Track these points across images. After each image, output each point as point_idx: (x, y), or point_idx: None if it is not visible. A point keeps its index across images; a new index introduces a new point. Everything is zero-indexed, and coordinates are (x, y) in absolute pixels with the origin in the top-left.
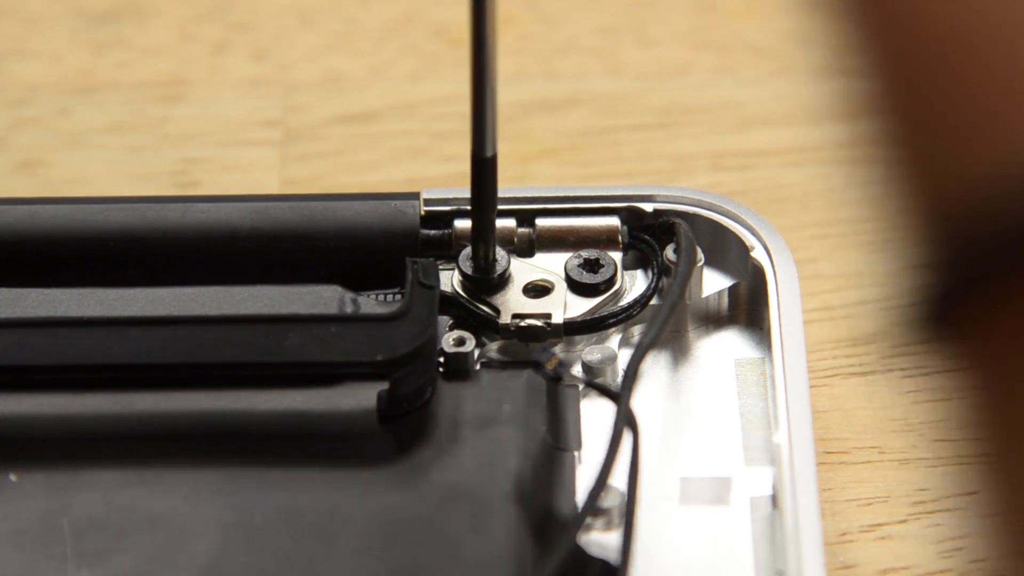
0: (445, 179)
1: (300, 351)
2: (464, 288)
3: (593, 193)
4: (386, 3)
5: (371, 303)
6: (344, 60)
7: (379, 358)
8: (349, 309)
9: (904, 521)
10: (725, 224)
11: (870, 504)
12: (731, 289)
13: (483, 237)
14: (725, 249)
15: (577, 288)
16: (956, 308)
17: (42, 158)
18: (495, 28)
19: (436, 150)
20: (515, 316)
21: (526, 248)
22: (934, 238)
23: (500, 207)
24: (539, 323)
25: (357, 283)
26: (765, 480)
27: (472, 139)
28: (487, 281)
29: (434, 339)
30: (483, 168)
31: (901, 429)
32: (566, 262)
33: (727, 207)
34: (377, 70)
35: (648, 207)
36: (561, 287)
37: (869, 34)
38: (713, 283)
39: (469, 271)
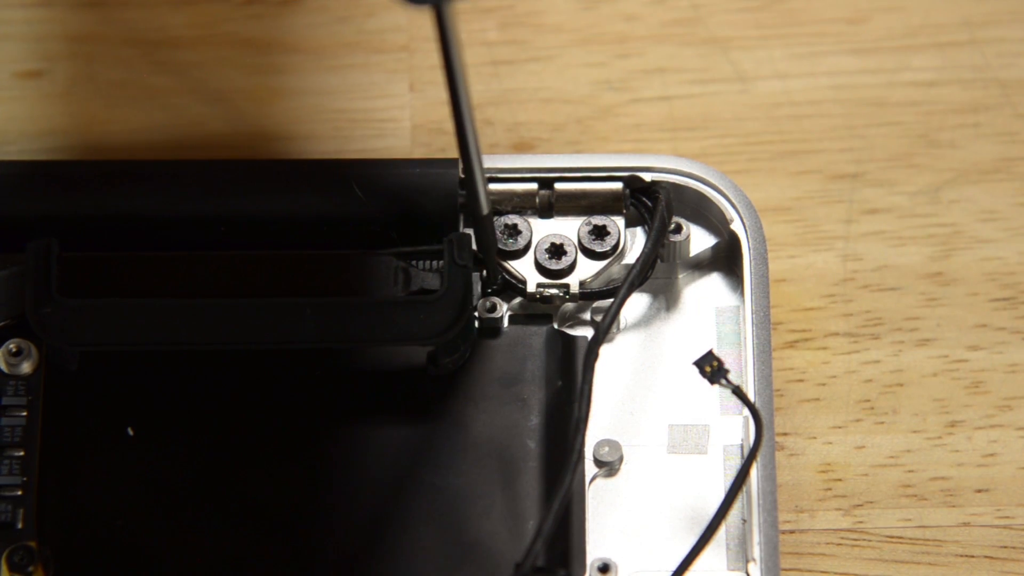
0: None
1: (359, 333)
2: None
3: (602, 164)
4: None
5: (418, 273)
6: None
7: (424, 336)
8: (400, 277)
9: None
10: (708, 195)
11: None
12: (714, 247)
13: (491, 274)
14: (709, 213)
15: (588, 253)
16: None
17: None
18: (472, 109)
19: None
20: (539, 285)
21: (546, 207)
22: None
23: (526, 175)
24: (559, 292)
25: (404, 238)
26: (737, 429)
27: (468, 202)
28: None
29: (471, 316)
30: (481, 224)
31: None
32: (578, 229)
33: (711, 178)
34: None
35: (647, 176)
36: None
37: None
38: (700, 241)
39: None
